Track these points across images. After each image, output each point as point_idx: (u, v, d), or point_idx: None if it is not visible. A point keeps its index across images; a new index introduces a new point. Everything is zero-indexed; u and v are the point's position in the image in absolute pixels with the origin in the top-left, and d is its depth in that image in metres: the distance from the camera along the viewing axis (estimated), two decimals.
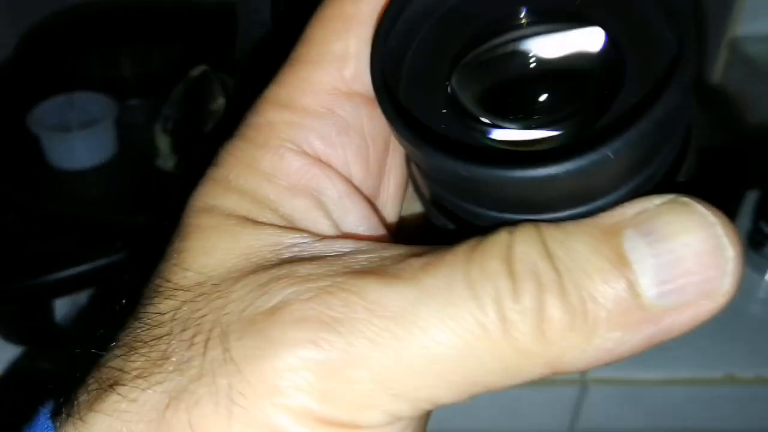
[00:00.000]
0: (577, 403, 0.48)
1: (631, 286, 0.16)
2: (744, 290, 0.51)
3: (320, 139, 0.20)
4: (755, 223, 0.53)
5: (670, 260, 0.16)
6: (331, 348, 0.16)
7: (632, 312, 0.16)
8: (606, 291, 0.16)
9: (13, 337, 0.47)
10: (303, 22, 0.22)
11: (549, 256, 0.16)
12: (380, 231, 0.21)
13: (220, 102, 0.47)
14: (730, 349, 0.48)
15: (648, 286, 0.16)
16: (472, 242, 0.17)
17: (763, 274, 0.53)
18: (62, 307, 0.48)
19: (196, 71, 0.47)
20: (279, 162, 0.19)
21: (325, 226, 0.20)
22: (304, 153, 0.20)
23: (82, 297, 0.47)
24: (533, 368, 0.17)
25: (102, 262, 0.46)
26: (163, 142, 0.45)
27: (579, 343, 0.16)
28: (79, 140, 0.47)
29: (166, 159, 0.46)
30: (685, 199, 0.17)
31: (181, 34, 0.56)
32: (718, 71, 0.70)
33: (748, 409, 0.48)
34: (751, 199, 0.54)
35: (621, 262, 0.16)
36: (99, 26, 0.56)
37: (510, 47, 0.19)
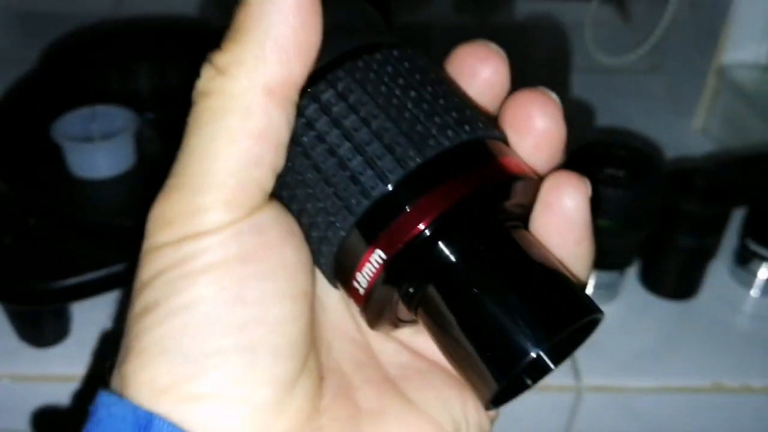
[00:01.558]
0: (571, 410, 0.50)
1: (241, 5, 0.22)
2: (731, 304, 0.54)
3: None
4: (742, 240, 0.55)
5: None
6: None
7: (250, 12, 0.21)
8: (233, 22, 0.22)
9: (31, 340, 0.49)
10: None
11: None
12: None
13: None
14: (718, 359, 0.50)
15: None
16: None
17: (749, 289, 0.55)
18: (79, 310, 0.50)
19: None
20: None
21: None
22: None
23: (98, 301, 0.49)
24: (248, 97, 0.21)
25: (120, 267, 0.48)
26: None
27: (246, 55, 0.21)
28: (101, 151, 0.49)
29: None
30: None
31: (196, 51, 0.58)
32: (706, 98, 0.72)
33: (735, 416, 0.50)
34: (738, 217, 0.56)
35: None
36: (117, 42, 0.58)
37: None
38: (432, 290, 0.23)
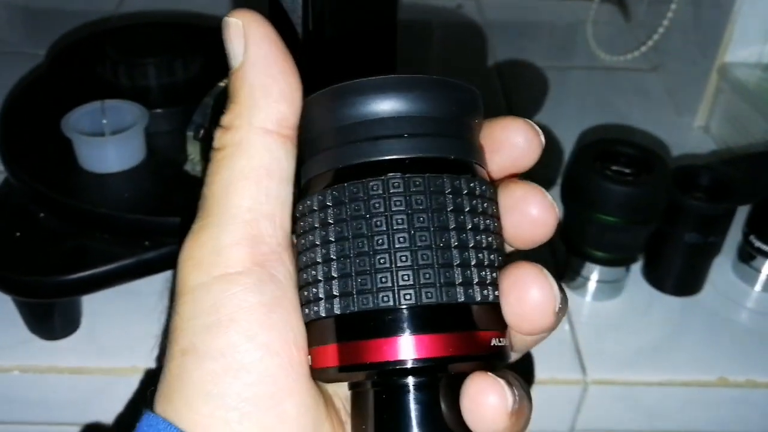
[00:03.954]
0: (577, 403, 0.50)
1: (230, 73, 0.26)
2: (735, 300, 0.55)
3: None
4: (746, 237, 0.56)
5: (227, 48, 0.26)
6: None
7: (238, 77, 0.25)
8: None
9: (41, 332, 0.49)
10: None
11: None
12: None
13: None
14: (722, 354, 0.51)
15: (231, 65, 0.26)
16: None
17: (753, 285, 0.56)
18: (89, 303, 0.50)
19: (224, 83, 0.50)
20: None
21: None
22: None
23: (108, 294, 0.49)
24: (251, 140, 0.25)
25: (129, 260, 0.48)
26: (193, 148, 0.47)
27: (242, 110, 0.25)
28: (111, 145, 0.49)
29: (195, 164, 0.48)
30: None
31: (204, 48, 0.59)
32: (707, 96, 0.72)
33: (739, 410, 0.51)
34: (742, 214, 0.57)
35: None
36: (127, 39, 0.58)
37: None
38: (372, 394, 0.25)
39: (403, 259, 0.23)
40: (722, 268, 0.57)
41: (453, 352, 0.23)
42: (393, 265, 0.23)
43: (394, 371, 0.23)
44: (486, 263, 0.24)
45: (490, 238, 0.25)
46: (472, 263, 0.24)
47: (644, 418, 0.51)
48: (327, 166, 0.25)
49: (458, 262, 0.23)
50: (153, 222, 0.48)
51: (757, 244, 0.54)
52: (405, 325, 0.23)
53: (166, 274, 0.50)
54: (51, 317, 0.49)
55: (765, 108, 0.66)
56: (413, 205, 0.23)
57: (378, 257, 0.23)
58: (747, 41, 0.69)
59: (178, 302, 0.25)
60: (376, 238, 0.23)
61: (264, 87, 0.25)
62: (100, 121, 0.51)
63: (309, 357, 0.25)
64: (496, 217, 0.26)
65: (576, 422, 0.51)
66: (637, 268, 0.56)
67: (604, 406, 0.50)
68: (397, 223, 0.23)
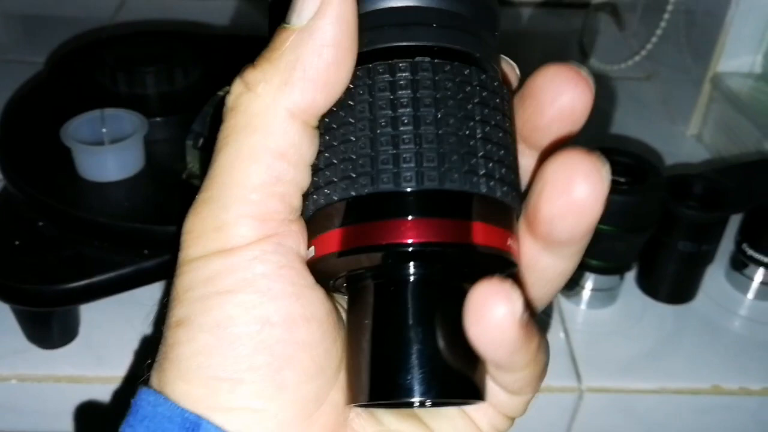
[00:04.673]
0: (572, 410, 0.50)
1: (283, 26, 0.23)
2: (728, 308, 0.55)
3: None
4: (738, 245, 0.56)
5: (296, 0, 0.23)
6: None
7: (288, 36, 0.22)
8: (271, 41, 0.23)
9: (39, 341, 0.49)
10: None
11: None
12: None
13: None
14: (716, 362, 0.51)
15: (289, 19, 0.23)
16: None
17: (746, 293, 0.56)
18: (87, 312, 0.51)
19: (223, 92, 0.50)
20: None
21: None
22: None
23: (106, 303, 0.49)
24: (270, 116, 0.22)
25: (128, 269, 0.48)
26: (192, 157, 0.47)
27: (274, 77, 0.22)
28: (110, 154, 0.49)
29: (194, 173, 0.48)
30: None
31: (202, 57, 0.59)
32: (700, 105, 0.73)
33: (733, 418, 0.51)
34: (735, 222, 0.57)
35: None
36: (126, 48, 0.58)
37: None
38: (372, 287, 0.24)
39: (428, 140, 0.22)
40: (715, 277, 0.58)
41: (457, 239, 0.22)
42: (418, 147, 0.22)
43: (397, 254, 0.22)
44: (506, 163, 0.23)
45: (511, 143, 0.24)
46: (495, 158, 0.23)
47: (639, 425, 0.52)
48: None
49: (481, 153, 0.23)
50: (152, 230, 0.48)
51: (750, 252, 0.55)
52: (419, 208, 0.22)
53: (165, 283, 0.50)
54: (49, 326, 0.49)
55: (757, 117, 0.66)
56: (441, 89, 0.22)
57: (402, 137, 0.22)
58: (739, 51, 0.70)
59: (176, 274, 0.24)
60: (402, 118, 0.22)
61: (312, 69, 0.22)
62: (100, 129, 0.51)
63: (311, 249, 0.24)
64: (514, 133, 0.25)
65: (571, 429, 0.51)
66: (631, 276, 0.57)
67: (599, 413, 0.51)
68: (424, 105, 0.22)
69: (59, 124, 0.50)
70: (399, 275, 0.23)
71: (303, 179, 0.23)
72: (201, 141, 0.46)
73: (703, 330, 0.54)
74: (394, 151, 0.22)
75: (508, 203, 0.23)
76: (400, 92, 0.22)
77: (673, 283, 0.55)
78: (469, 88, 0.23)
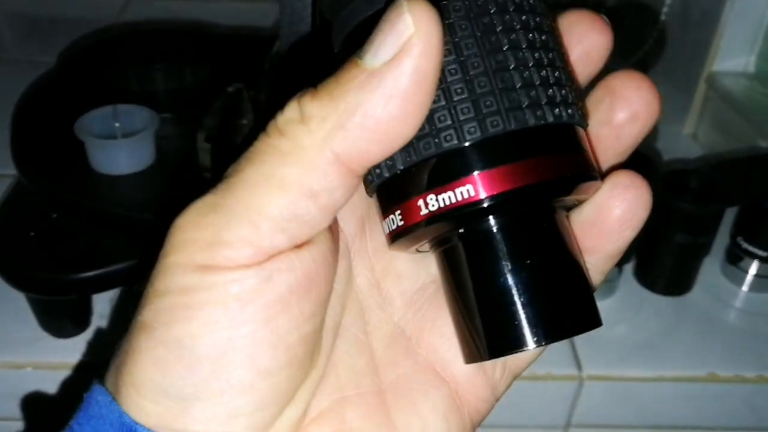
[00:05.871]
0: (573, 398, 0.52)
1: (355, 61, 0.20)
2: (723, 300, 0.57)
3: None
4: (733, 239, 0.58)
5: (376, 36, 0.20)
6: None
7: (357, 75, 0.20)
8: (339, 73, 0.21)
9: (53, 330, 0.50)
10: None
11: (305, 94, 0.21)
12: None
13: (249, 117, 0.52)
14: (711, 351, 0.53)
15: (363, 55, 0.20)
16: None
17: (740, 285, 0.58)
18: (100, 302, 0.52)
19: (233, 88, 0.51)
20: None
21: None
22: None
23: (118, 293, 0.50)
24: (315, 154, 0.21)
25: (139, 260, 0.50)
26: (204, 152, 0.49)
27: (332, 116, 0.20)
28: (122, 148, 0.51)
29: (205, 167, 0.50)
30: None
31: (211, 54, 0.61)
32: (696, 105, 0.75)
33: (728, 404, 0.52)
34: (730, 216, 0.59)
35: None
36: (136, 45, 0.60)
37: None
38: (462, 246, 0.23)
39: (482, 85, 0.21)
40: (711, 270, 0.59)
41: (531, 180, 0.21)
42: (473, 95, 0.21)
43: (474, 212, 0.21)
44: (564, 82, 0.23)
45: (560, 61, 0.23)
46: (551, 82, 0.22)
47: (637, 412, 0.53)
48: None
49: (538, 81, 0.22)
50: (163, 222, 0.49)
51: (745, 245, 0.56)
52: (484, 159, 0.21)
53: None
54: (62, 315, 0.50)
55: (751, 115, 0.68)
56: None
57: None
58: (734, 51, 0.71)
59: (155, 270, 0.22)
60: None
61: (373, 119, 0.20)
62: (112, 124, 0.52)
63: (388, 221, 0.23)
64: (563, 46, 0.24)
65: (572, 416, 0.53)
66: (629, 269, 0.58)
67: (598, 400, 0.52)
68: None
69: (71, 120, 0.51)
70: (486, 229, 0.22)
71: (323, 223, 0.22)
72: (212, 135, 0.48)
73: (700, 321, 0.55)
74: (453, 106, 0.21)
75: (578, 121, 0.23)
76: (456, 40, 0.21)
77: (670, 275, 0.57)
78: (507, 16, 0.22)
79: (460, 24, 0.21)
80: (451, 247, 0.24)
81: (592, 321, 0.23)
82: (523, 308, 0.22)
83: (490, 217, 0.22)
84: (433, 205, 0.22)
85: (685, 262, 0.56)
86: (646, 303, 0.57)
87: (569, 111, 0.22)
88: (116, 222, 0.50)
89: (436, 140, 0.21)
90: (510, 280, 0.22)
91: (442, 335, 0.26)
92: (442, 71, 0.21)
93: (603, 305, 0.56)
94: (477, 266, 0.23)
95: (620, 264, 0.55)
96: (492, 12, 0.22)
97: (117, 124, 0.52)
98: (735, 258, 0.58)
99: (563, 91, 0.22)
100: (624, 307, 0.56)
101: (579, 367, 0.51)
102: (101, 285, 0.49)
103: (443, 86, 0.21)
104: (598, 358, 0.52)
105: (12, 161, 0.54)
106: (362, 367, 0.26)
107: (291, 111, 0.21)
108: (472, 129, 0.21)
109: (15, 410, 0.51)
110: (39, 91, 0.62)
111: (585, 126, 0.24)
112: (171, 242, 0.22)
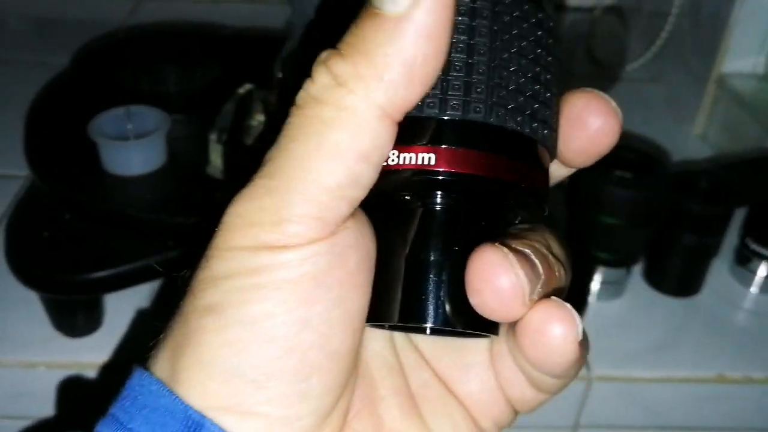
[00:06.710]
0: (581, 399, 0.52)
1: (373, 12, 0.20)
2: (732, 301, 0.57)
3: None
4: (742, 240, 0.58)
5: None
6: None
7: (383, 24, 0.20)
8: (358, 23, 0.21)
9: (65, 329, 0.51)
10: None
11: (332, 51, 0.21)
12: None
13: (260, 118, 0.52)
14: (720, 352, 0.53)
15: (381, 5, 0.20)
16: None
17: (749, 287, 0.58)
18: (112, 302, 0.52)
19: (243, 89, 0.52)
20: None
21: None
22: None
23: (130, 293, 0.51)
24: (362, 114, 0.21)
25: (151, 260, 0.50)
26: (215, 152, 0.49)
27: (369, 71, 0.20)
28: (135, 149, 0.51)
29: (217, 167, 0.50)
30: None
31: (222, 55, 0.61)
32: (705, 105, 0.75)
33: (736, 405, 0.52)
34: (739, 217, 0.59)
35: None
36: (148, 46, 0.60)
37: None
38: (406, 212, 0.24)
39: (479, 72, 0.22)
40: (720, 271, 0.59)
41: (492, 174, 0.22)
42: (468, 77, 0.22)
43: (424, 181, 0.22)
44: (550, 105, 0.24)
45: (556, 84, 0.24)
46: (540, 99, 0.23)
47: (645, 413, 0.53)
48: None
49: (529, 93, 0.23)
50: (174, 222, 0.50)
51: (753, 247, 0.56)
52: (455, 137, 0.22)
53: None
54: (75, 315, 0.51)
55: (761, 116, 0.68)
56: (499, 21, 0.22)
57: (455, 64, 0.22)
58: (743, 52, 0.71)
59: (211, 256, 0.21)
60: (457, 44, 0.22)
61: (411, 63, 0.20)
62: (124, 125, 0.53)
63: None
64: (560, 74, 0.25)
65: (580, 417, 0.53)
66: (638, 270, 0.58)
67: (607, 401, 0.52)
68: (480, 35, 0.22)
69: (83, 122, 0.52)
70: (431, 202, 0.23)
71: (373, 178, 0.22)
72: (224, 136, 0.48)
73: (709, 322, 0.55)
74: (446, 78, 0.22)
75: (549, 146, 0.24)
76: (458, 18, 0.22)
77: (679, 277, 0.57)
78: (525, 24, 0.23)
79: (482, 12, 0.22)
80: (398, 209, 0.24)
81: (492, 328, 0.24)
82: (440, 290, 0.23)
83: (439, 192, 0.23)
84: (393, 160, 0.22)
85: (694, 263, 0.57)
86: (654, 304, 0.57)
87: (545, 132, 0.23)
88: (128, 222, 0.50)
89: (419, 103, 0.22)
90: (433, 258, 0.23)
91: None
92: (451, 44, 0.21)
93: (612, 306, 0.56)
94: (410, 236, 0.23)
95: (629, 264, 0.55)
96: (514, 15, 0.22)
97: (129, 126, 0.52)
98: (744, 259, 0.58)
99: (546, 113, 0.23)
100: (633, 308, 0.56)
101: (588, 367, 0.51)
102: (113, 285, 0.50)
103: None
104: (607, 359, 0.52)
105: (26, 162, 0.55)
106: (393, 363, 0.26)
107: (321, 77, 0.21)
108: (455, 106, 0.22)
109: (29, 409, 0.52)
110: (52, 92, 0.63)
111: (553, 156, 0.25)
112: (228, 228, 0.21)
